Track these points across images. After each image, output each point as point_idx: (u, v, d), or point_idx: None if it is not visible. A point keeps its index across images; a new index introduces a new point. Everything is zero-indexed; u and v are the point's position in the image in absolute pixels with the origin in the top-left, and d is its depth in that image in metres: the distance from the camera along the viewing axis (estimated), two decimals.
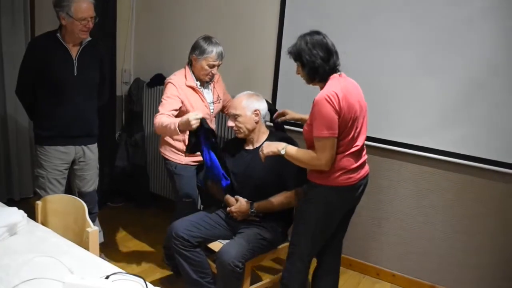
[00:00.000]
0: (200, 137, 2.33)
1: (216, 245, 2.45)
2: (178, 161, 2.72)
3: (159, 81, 3.74)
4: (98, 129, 2.81)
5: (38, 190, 2.67)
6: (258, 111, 2.48)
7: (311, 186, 2.22)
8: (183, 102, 2.59)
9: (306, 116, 2.30)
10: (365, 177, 2.28)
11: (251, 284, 2.47)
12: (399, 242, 3.00)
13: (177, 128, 2.30)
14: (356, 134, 2.14)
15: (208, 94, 2.74)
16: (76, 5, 2.41)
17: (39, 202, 2.09)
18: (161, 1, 3.72)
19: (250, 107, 2.47)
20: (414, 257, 2.97)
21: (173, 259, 2.59)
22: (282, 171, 2.43)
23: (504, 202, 2.65)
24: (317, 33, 2.16)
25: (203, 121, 2.28)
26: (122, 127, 3.98)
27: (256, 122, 2.50)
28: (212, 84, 2.76)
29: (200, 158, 2.59)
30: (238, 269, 2.22)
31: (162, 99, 2.59)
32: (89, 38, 2.61)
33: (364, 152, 2.28)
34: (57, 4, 2.44)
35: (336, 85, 2.09)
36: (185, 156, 2.58)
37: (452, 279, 2.87)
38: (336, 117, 2.04)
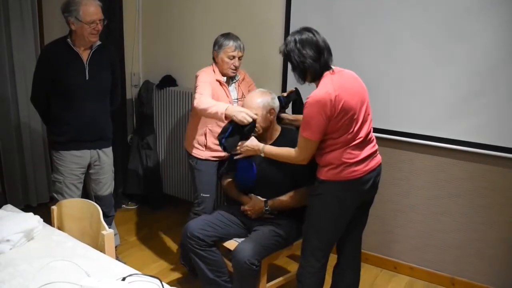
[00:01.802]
0: (242, 137, 2.37)
1: (231, 244, 2.44)
2: (198, 156, 2.79)
3: (168, 82, 3.75)
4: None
5: (55, 195, 2.70)
6: (273, 110, 2.47)
7: (318, 181, 2.21)
8: (212, 92, 2.65)
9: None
10: (376, 169, 2.22)
11: (268, 281, 2.46)
12: (416, 234, 2.97)
13: (224, 112, 2.34)
14: (357, 128, 2.10)
15: (233, 91, 2.81)
16: (84, 9, 2.43)
17: (54, 207, 2.11)
18: (167, 2, 3.72)
19: (266, 106, 2.45)
20: (432, 249, 2.94)
21: (189, 258, 2.60)
22: (295, 169, 2.42)
23: None
24: (307, 30, 2.12)
25: (253, 124, 2.36)
26: (134, 130, 4.00)
27: (271, 121, 2.49)
28: (237, 83, 2.83)
29: (220, 154, 2.72)
30: (254, 267, 2.21)
31: (196, 85, 2.65)
32: (99, 42, 2.63)
33: (373, 142, 2.22)
34: (66, 9, 2.47)
35: (329, 85, 2.05)
36: (223, 151, 2.53)
37: (472, 270, 2.83)
38: (323, 121, 2.03)
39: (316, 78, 2.12)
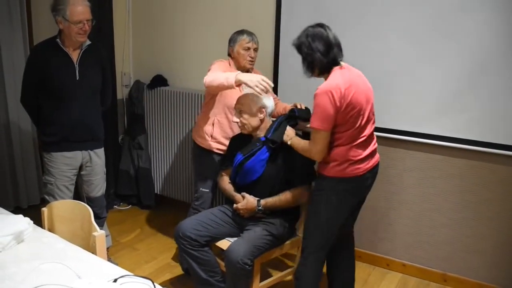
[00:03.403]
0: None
1: (224, 243, 2.44)
2: (202, 145, 2.81)
3: (159, 82, 3.74)
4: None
5: (46, 197, 2.67)
6: (263, 109, 2.47)
7: (321, 178, 2.23)
8: None
9: None
10: (375, 167, 2.28)
11: (261, 280, 2.46)
12: (408, 231, 2.99)
13: (235, 78, 2.29)
14: (362, 124, 2.14)
15: (247, 87, 2.76)
16: (71, 8, 2.41)
17: (45, 209, 2.09)
18: (157, 1, 3.71)
19: (256, 103, 2.45)
20: (424, 245, 2.95)
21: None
22: (289, 169, 2.42)
23: (511, 185, 2.63)
24: (320, 25, 2.16)
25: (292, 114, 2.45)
26: (125, 130, 3.98)
27: (261, 120, 2.48)
28: None
29: (223, 147, 2.73)
30: (247, 266, 2.21)
31: (209, 69, 2.64)
32: (89, 42, 2.61)
33: (374, 141, 2.27)
34: (54, 8, 2.45)
35: (339, 78, 2.08)
36: (273, 145, 2.44)
37: (463, 266, 2.85)
38: (332, 112, 2.04)
39: (324, 72, 2.15)
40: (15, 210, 3.44)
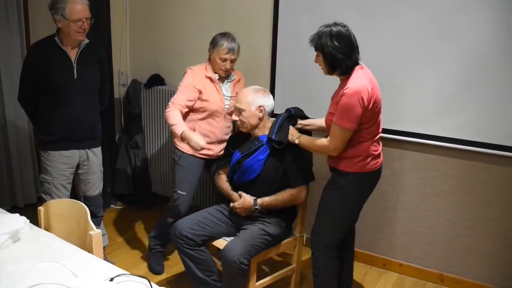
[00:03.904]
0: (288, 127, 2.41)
1: (220, 243, 2.44)
2: (183, 150, 2.79)
3: (156, 81, 3.73)
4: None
5: (43, 196, 2.66)
6: (262, 107, 2.47)
7: (341, 174, 2.28)
8: (201, 91, 2.69)
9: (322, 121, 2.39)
10: (382, 162, 2.38)
11: (257, 280, 2.46)
12: (405, 231, 2.99)
13: (180, 136, 2.55)
14: (379, 121, 2.25)
15: (227, 89, 2.83)
16: (70, 7, 2.40)
17: (41, 208, 2.09)
18: (154, 0, 3.70)
19: (255, 102, 2.46)
20: (421, 245, 2.96)
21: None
22: (287, 169, 2.43)
23: (508, 185, 2.64)
24: (338, 24, 2.16)
25: (290, 114, 2.47)
26: (122, 129, 3.98)
27: (260, 118, 2.48)
28: (232, 82, 2.84)
29: (207, 152, 2.75)
30: (244, 266, 2.21)
31: (179, 87, 2.72)
32: (87, 40, 2.60)
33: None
34: (52, 6, 2.43)
35: (364, 78, 2.14)
36: (278, 146, 2.43)
37: (460, 266, 2.86)
38: (361, 112, 2.10)
39: (346, 72, 2.18)
40: (12, 209, 3.44)
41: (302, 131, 2.47)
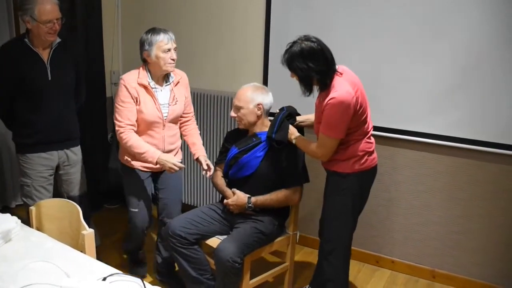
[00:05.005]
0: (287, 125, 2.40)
1: (213, 241, 2.43)
2: (128, 165, 2.63)
3: None
4: (90, 131, 2.78)
5: (24, 199, 2.61)
6: (261, 105, 2.46)
7: (343, 176, 2.27)
8: (136, 100, 2.48)
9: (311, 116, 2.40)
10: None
11: (251, 278, 2.46)
12: (397, 228, 3.01)
13: (159, 157, 2.43)
14: (368, 118, 2.25)
15: (163, 95, 2.57)
16: (39, 8, 2.31)
17: (33, 208, 2.07)
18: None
19: (254, 100, 2.45)
20: (413, 242, 2.97)
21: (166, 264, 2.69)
22: (283, 168, 2.43)
23: (500, 183, 2.66)
24: (312, 40, 2.08)
25: (288, 113, 2.43)
26: (114, 128, 3.95)
27: (258, 116, 2.48)
28: (171, 85, 2.59)
29: (152, 166, 2.57)
30: (237, 264, 2.21)
31: (116, 103, 2.50)
32: (59, 40, 2.52)
33: None
34: (20, 7, 2.35)
35: (345, 84, 2.10)
36: (277, 146, 2.42)
37: (452, 262, 2.88)
38: (348, 120, 2.10)
39: (326, 88, 2.13)
40: (3, 209, 3.41)
41: (296, 126, 2.47)
